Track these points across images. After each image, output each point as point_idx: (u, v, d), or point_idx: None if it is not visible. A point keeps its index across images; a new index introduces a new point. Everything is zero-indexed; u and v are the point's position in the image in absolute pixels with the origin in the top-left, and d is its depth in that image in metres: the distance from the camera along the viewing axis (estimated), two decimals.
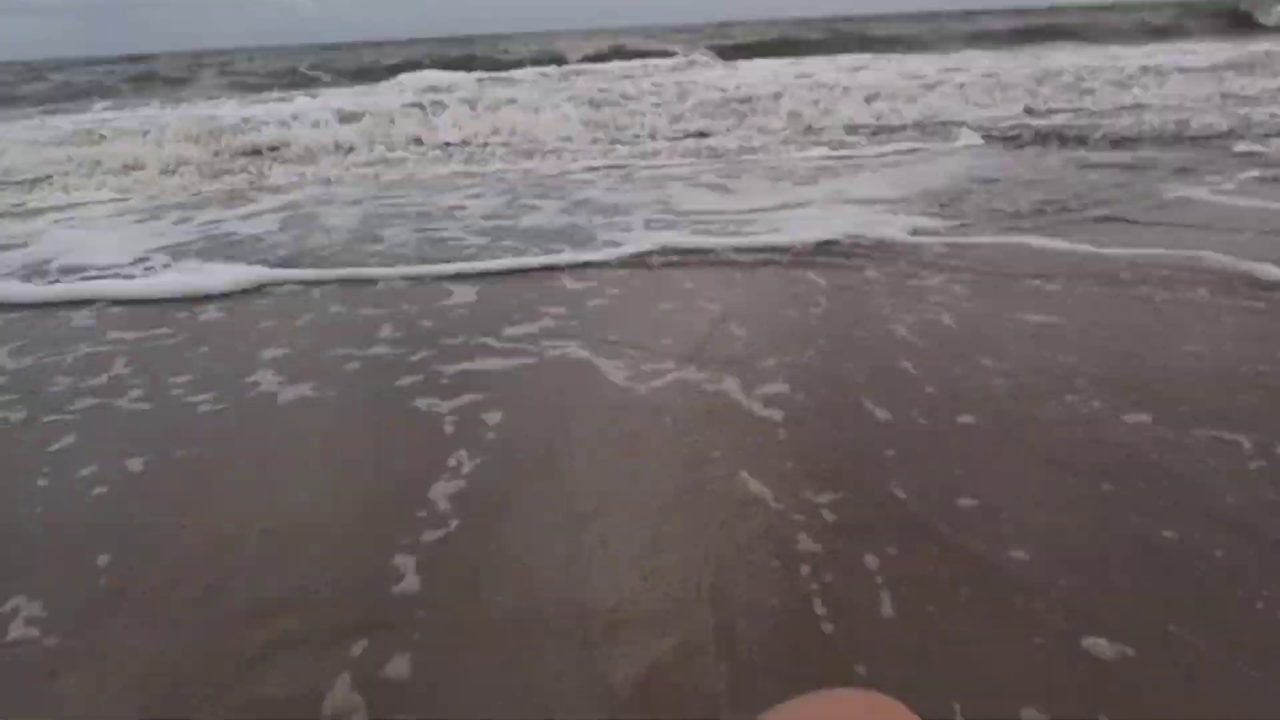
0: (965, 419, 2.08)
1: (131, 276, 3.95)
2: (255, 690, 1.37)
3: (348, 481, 2.04)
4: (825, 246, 3.90)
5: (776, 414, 2.19)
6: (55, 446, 2.24)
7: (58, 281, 3.92)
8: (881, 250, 3.78)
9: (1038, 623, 1.43)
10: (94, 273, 4.04)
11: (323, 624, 1.52)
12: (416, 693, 1.37)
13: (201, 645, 1.48)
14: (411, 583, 1.62)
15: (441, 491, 1.90)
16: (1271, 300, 2.81)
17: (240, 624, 1.53)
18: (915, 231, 4.18)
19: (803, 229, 4.31)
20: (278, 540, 1.78)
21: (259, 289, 3.58)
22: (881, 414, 2.13)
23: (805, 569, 1.58)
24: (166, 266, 4.08)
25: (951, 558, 1.60)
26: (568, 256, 3.84)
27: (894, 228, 4.30)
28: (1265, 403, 2.11)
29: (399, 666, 1.43)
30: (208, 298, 3.50)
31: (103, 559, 1.73)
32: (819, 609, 1.48)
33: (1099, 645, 1.37)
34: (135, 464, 2.13)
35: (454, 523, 1.79)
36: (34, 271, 4.12)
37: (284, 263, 3.99)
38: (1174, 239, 3.58)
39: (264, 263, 3.99)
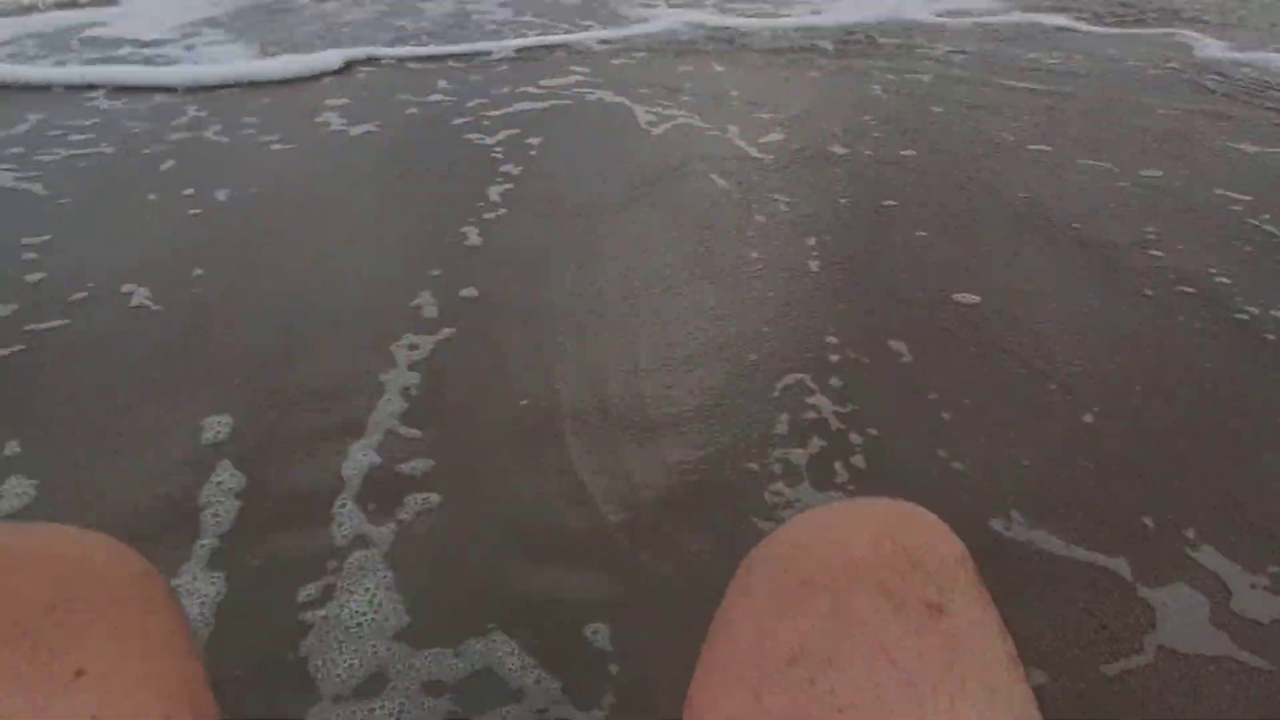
0: (906, 152, 2.70)
1: (171, 60, 4.13)
2: (361, 305, 2.08)
3: (417, 188, 2.73)
4: (849, 28, 4.33)
5: (765, 154, 2.82)
6: (163, 168, 2.79)
7: (65, 64, 3.98)
8: (903, 29, 4.21)
9: (919, 282, 2.11)
10: (128, 49, 4.25)
11: (410, 262, 2.26)
12: (479, 305, 2.11)
13: (303, 309, 2.12)
14: (475, 241, 2.35)
15: (496, 191, 2.61)
16: (1210, 75, 3.31)
17: (337, 278, 2.27)
18: (950, 14, 4.56)
19: (834, 13, 4.70)
20: (362, 229, 2.49)
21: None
22: (839, 150, 2.76)
23: (753, 234, 2.28)
24: (211, 45, 4.40)
25: (868, 241, 2.28)
26: (595, 34, 4.33)
27: (927, 11, 4.67)
28: (1139, 141, 2.71)
29: (469, 290, 2.18)
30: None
31: (197, 271, 2.20)
32: (753, 256, 2.19)
33: (966, 297, 2.06)
34: (221, 194, 2.62)
35: (503, 211, 2.51)
36: (61, 46, 4.36)
37: (325, 38, 4.54)
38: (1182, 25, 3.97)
39: (307, 38, 4.54)
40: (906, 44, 3.97)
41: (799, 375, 1.77)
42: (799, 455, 1.55)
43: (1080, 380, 1.73)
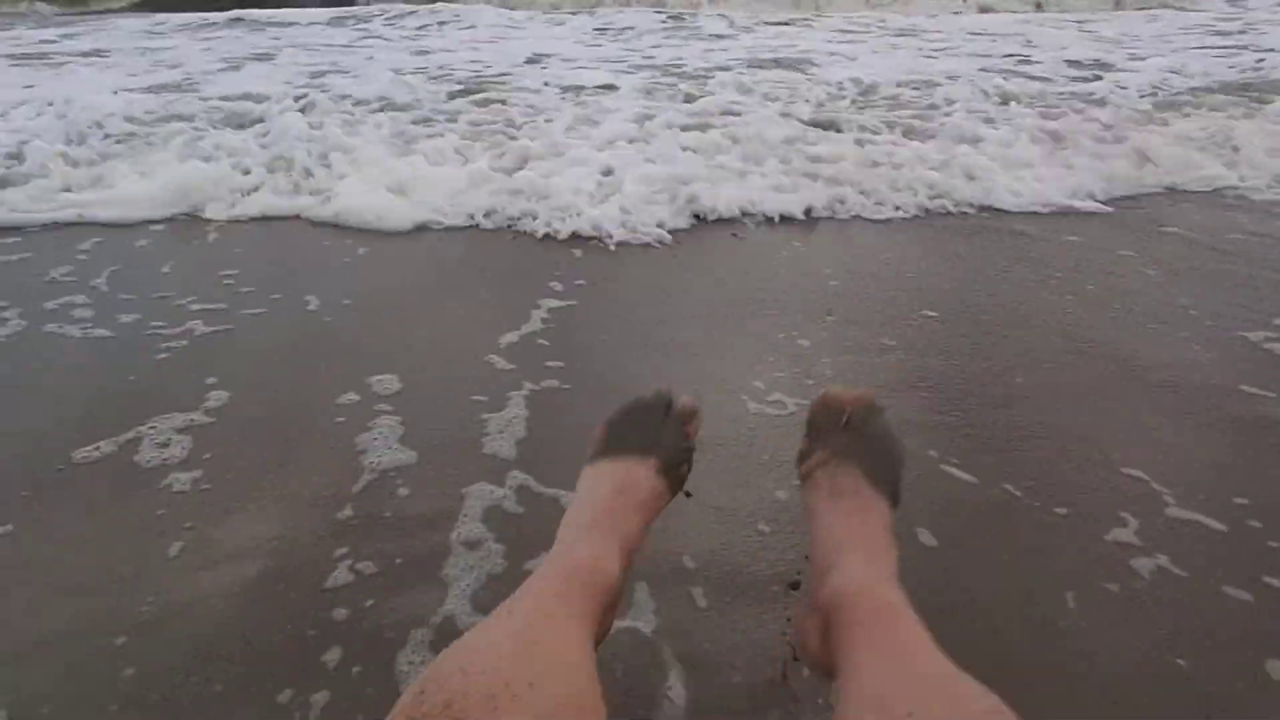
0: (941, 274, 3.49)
1: None
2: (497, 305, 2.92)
3: (510, 267, 3.64)
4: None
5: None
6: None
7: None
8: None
9: (903, 302, 2.78)
10: None
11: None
12: (565, 313, 2.79)
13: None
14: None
15: (547, 304, 3.31)
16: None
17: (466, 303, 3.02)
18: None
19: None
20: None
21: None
22: (828, 278, 3.55)
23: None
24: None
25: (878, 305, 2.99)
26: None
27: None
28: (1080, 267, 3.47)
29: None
30: None
31: (347, 300, 3.15)
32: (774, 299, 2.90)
33: (929, 312, 2.73)
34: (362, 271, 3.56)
35: (555, 304, 3.27)
36: None
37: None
38: None
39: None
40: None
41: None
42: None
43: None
